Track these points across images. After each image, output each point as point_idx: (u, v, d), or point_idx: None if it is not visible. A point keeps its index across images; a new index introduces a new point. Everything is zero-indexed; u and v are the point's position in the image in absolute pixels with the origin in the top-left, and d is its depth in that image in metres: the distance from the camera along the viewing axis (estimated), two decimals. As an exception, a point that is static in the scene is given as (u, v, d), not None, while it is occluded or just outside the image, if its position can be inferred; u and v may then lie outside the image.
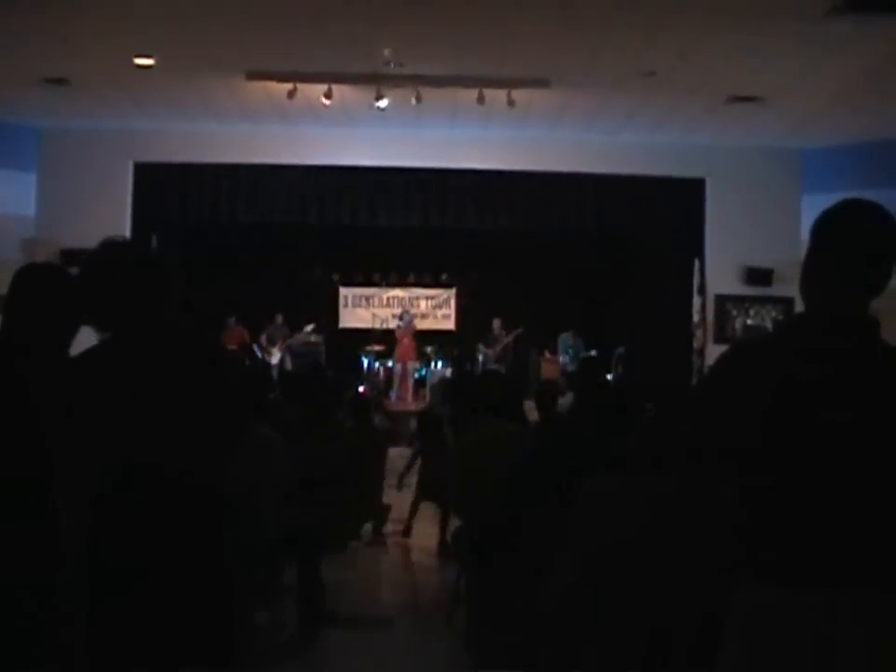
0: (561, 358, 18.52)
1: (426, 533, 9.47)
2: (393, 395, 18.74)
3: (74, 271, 3.55)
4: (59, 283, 3.54)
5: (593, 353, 18.33)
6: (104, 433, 3.12)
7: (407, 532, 9.71)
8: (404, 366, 18.91)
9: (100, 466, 3.12)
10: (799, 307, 2.85)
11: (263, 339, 18.85)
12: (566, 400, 8.99)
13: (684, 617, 3.55)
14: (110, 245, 3.35)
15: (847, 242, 2.72)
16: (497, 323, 19.07)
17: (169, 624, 3.09)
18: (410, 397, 18.68)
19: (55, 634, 3.18)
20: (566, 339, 18.62)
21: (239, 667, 3.52)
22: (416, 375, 19.19)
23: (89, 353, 3.29)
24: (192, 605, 3.14)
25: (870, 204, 2.75)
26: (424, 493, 9.62)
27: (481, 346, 19.16)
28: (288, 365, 18.72)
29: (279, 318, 19.02)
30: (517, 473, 5.34)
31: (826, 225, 2.76)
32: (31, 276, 3.61)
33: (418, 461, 10.04)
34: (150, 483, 3.12)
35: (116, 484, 3.11)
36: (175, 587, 3.11)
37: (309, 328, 19.22)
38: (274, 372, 17.41)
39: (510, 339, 18.95)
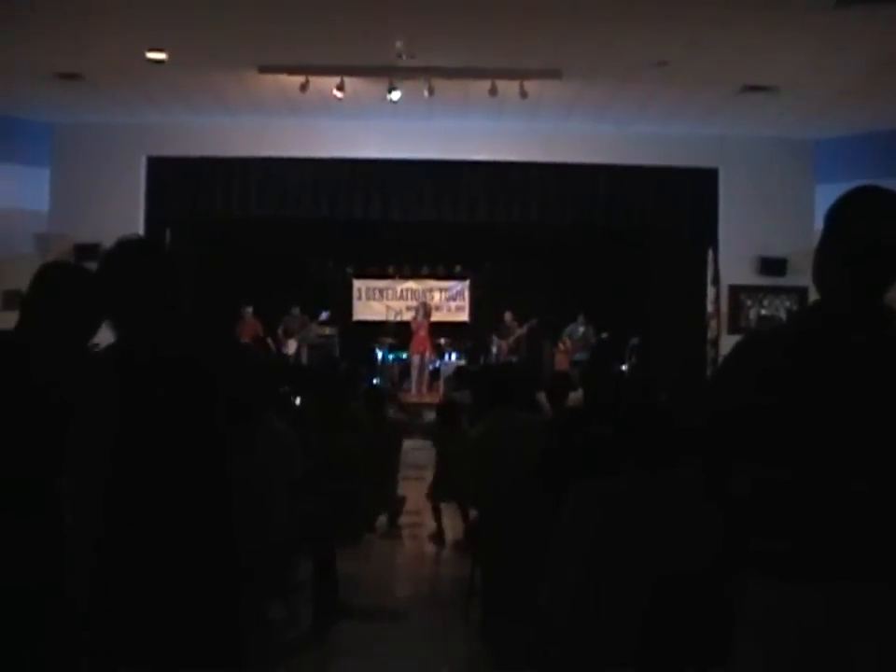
0: (570, 347, 18.51)
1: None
2: (410, 386, 18.77)
3: (88, 265, 3.55)
4: (78, 283, 3.52)
5: (604, 335, 18.34)
6: (116, 430, 3.12)
7: (440, 538, 9.30)
8: (421, 357, 18.90)
9: (112, 462, 3.12)
10: (814, 297, 2.83)
11: (280, 330, 18.93)
12: (577, 395, 8.94)
13: (686, 615, 3.55)
14: (126, 244, 3.35)
15: (860, 229, 2.69)
16: (508, 315, 19.09)
17: (177, 623, 3.10)
18: (425, 389, 18.68)
19: (60, 632, 3.18)
20: (574, 327, 18.59)
21: (254, 662, 3.53)
22: (431, 367, 19.20)
23: (106, 351, 3.30)
24: (200, 604, 3.14)
25: (884, 192, 2.73)
26: (442, 492, 9.38)
27: (494, 338, 19.17)
28: (304, 357, 18.78)
29: (296, 310, 19.08)
30: (527, 470, 5.34)
31: (839, 213, 2.74)
32: (51, 276, 3.58)
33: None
34: (159, 480, 3.12)
35: (125, 481, 3.11)
36: (183, 586, 3.12)
37: (324, 315, 19.25)
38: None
39: (523, 330, 18.95)
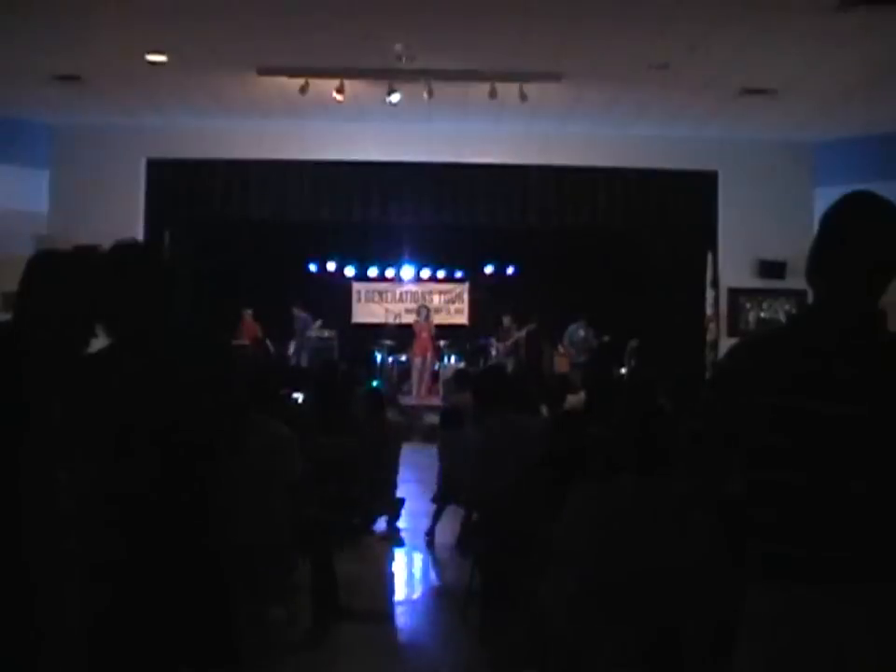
0: (570, 350, 18.51)
1: (439, 528, 9.45)
2: (410, 389, 18.77)
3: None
4: (78, 272, 3.41)
5: (606, 338, 18.34)
6: (109, 433, 3.11)
7: (431, 539, 9.39)
8: (423, 360, 18.90)
9: (105, 465, 3.11)
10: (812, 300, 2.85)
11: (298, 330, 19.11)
12: (579, 398, 8.94)
13: (688, 618, 3.55)
14: (122, 248, 3.33)
15: (853, 234, 2.72)
16: (507, 319, 19.10)
17: (174, 624, 3.09)
18: (425, 391, 18.68)
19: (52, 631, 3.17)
20: (575, 329, 18.59)
21: (252, 664, 3.53)
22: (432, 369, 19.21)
23: (99, 354, 3.29)
24: (197, 605, 3.13)
25: (876, 197, 2.75)
26: (447, 495, 9.33)
27: (493, 341, 19.17)
28: (304, 359, 18.80)
29: (302, 312, 19.11)
30: (525, 472, 5.35)
31: (832, 217, 2.77)
32: (49, 264, 3.45)
33: None
34: (153, 483, 3.11)
35: (118, 484, 3.10)
36: (179, 587, 3.11)
37: (317, 323, 19.29)
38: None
39: (521, 333, 18.96)
